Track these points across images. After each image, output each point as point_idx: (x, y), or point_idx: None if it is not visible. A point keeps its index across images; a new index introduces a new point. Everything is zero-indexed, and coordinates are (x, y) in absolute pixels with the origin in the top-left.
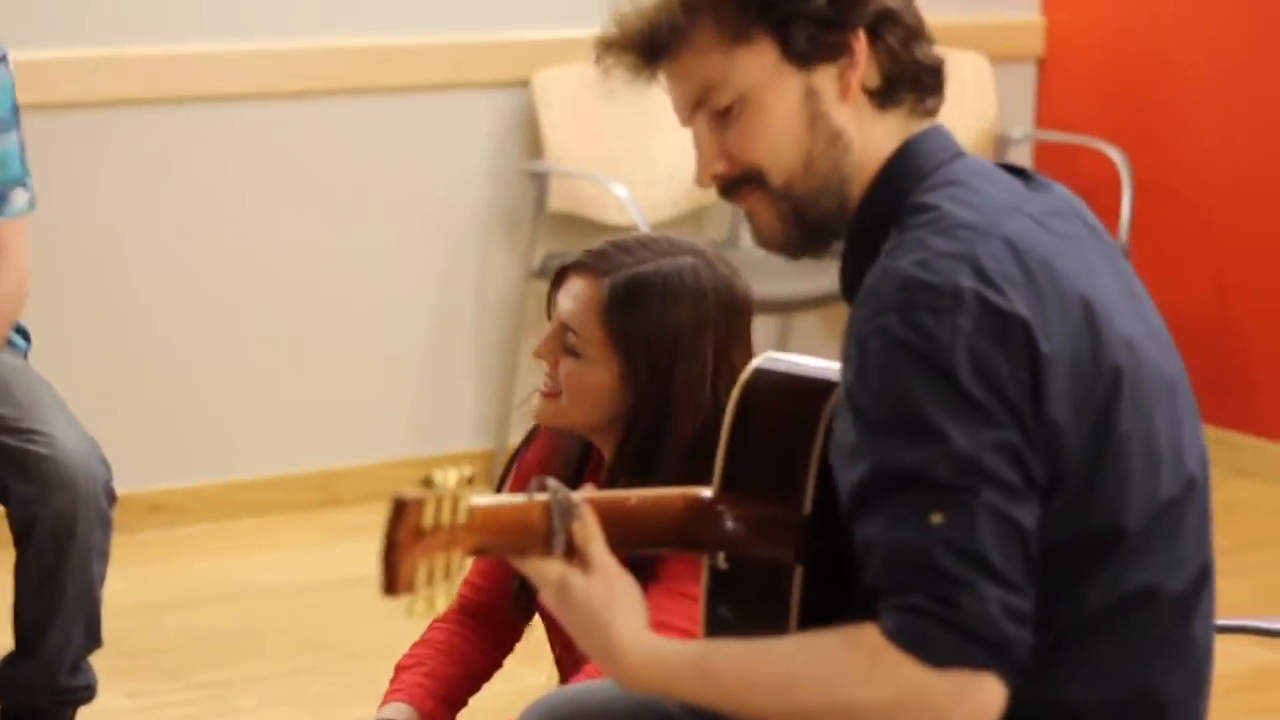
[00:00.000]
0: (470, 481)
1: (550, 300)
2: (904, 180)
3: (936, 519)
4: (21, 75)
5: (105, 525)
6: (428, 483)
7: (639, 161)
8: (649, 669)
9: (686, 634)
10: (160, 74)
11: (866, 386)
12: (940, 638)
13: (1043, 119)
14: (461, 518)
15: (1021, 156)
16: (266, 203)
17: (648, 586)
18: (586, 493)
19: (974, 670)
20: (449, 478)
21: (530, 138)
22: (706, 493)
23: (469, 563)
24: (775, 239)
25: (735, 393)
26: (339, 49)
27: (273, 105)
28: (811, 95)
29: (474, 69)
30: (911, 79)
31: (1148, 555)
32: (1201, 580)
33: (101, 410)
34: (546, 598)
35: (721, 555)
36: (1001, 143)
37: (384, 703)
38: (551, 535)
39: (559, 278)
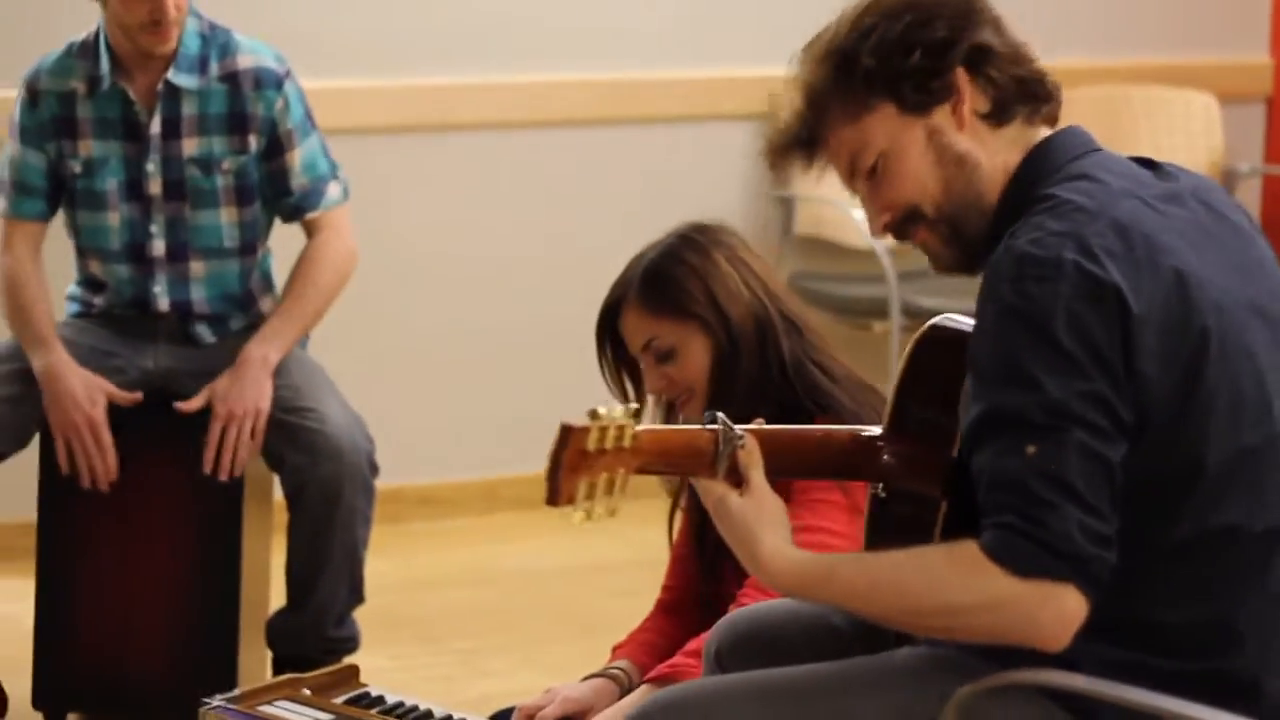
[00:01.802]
0: (637, 414)
1: (609, 364)
2: (1034, 178)
3: (1031, 450)
4: (312, 102)
5: (368, 492)
6: (594, 414)
7: None
8: (786, 574)
9: (821, 530)
10: (428, 104)
11: (982, 345)
12: (1027, 551)
13: (1271, 154)
14: (627, 442)
15: (1250, 190)
16: (529, 224)
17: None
18: (758, 426)
19: (1055, 581)
20: (615, 410)
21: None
22: (874, 431)
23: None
24: (946, 260)
25: (910, 346)
26: (602, 82)
27: (541, 133)
28: (934, 134)
29: (728, 102)
30: (1017, 96)
31: (1229, 496)
32: None
33: (378, 411)
34: (708, 508)
35: (880, 485)
36: (1229, 176)
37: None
38: (716, 459)
39: (606, 338)
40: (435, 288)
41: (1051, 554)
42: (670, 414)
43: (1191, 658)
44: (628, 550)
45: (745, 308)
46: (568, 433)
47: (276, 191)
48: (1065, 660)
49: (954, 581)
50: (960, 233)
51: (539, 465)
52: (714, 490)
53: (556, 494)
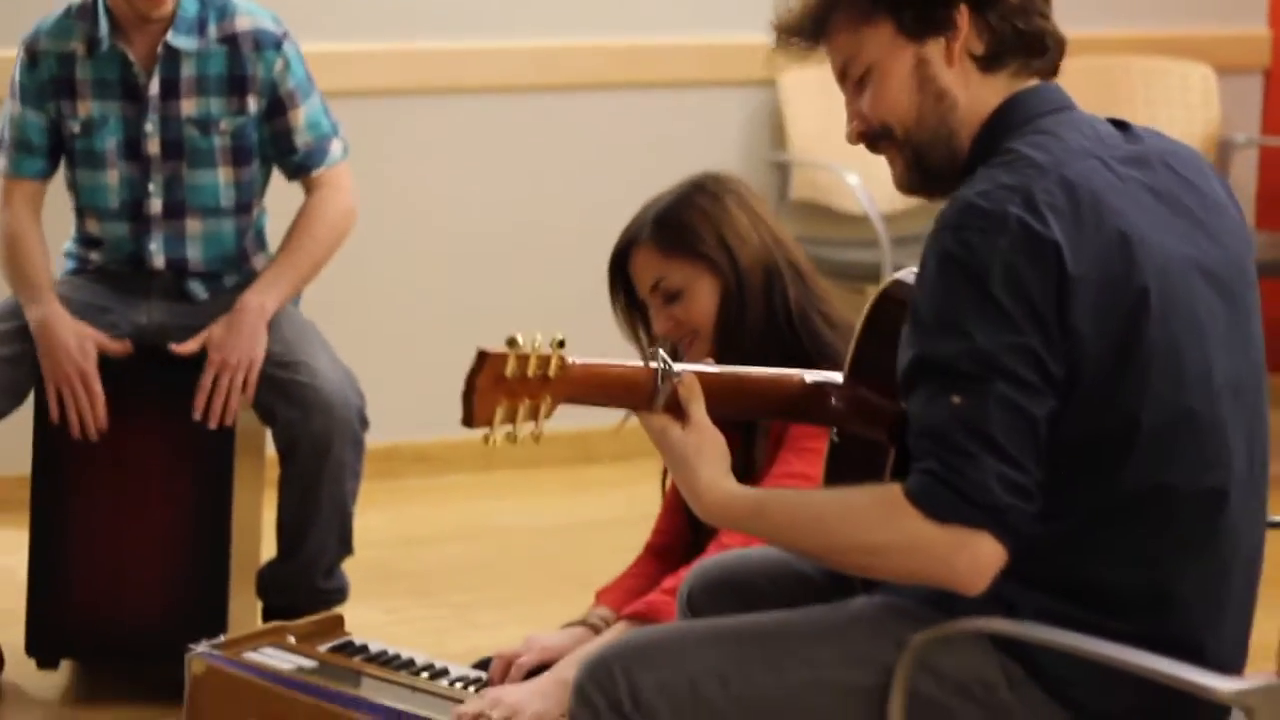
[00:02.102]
0: (562, 344)
1: (621, 309)
2: (1003, 130)
3: (956, 400)
4: (319, 65)
5: (358, 446)
6: (511, 342)
7: (872, 155)
8: (720, 507)
9: (807, 478)
10: (439, 67)
11: (921, 290)
12: (944, 498)
13: (1268, 125)
14: (552, 372)
15: (1246, 161)
16: (530, 186)
17: (777, 450)
18: (713, 367)
19: (970, 528)
20: (538, 340)
21: (775, 132)
22: (834, 377)
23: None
24: (904, 183)
25: (871, 299)
26: (603, 47)
27: (544, 96)
28: (922, 63)
29: (726, 69)
30: (1014, 47)
31: (1168, 457)
32: (1228, 487)
33: (373, 369)
34: (652, 439)
35: (834, 430)
36: (1225, 147)
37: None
38: (655, 394)
39: (618, 282)
40: (437, 248)
41: (968, 502)
42: (676, 359)
43: (1130, 618)
44: (624, 508)
45: (754, 253)
46: (483, 358)
47: (280, 150)
48: (1009, 610)
49: (875, 521)
50: (923, 162)
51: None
52: (655, 423)
53: (470, 416)
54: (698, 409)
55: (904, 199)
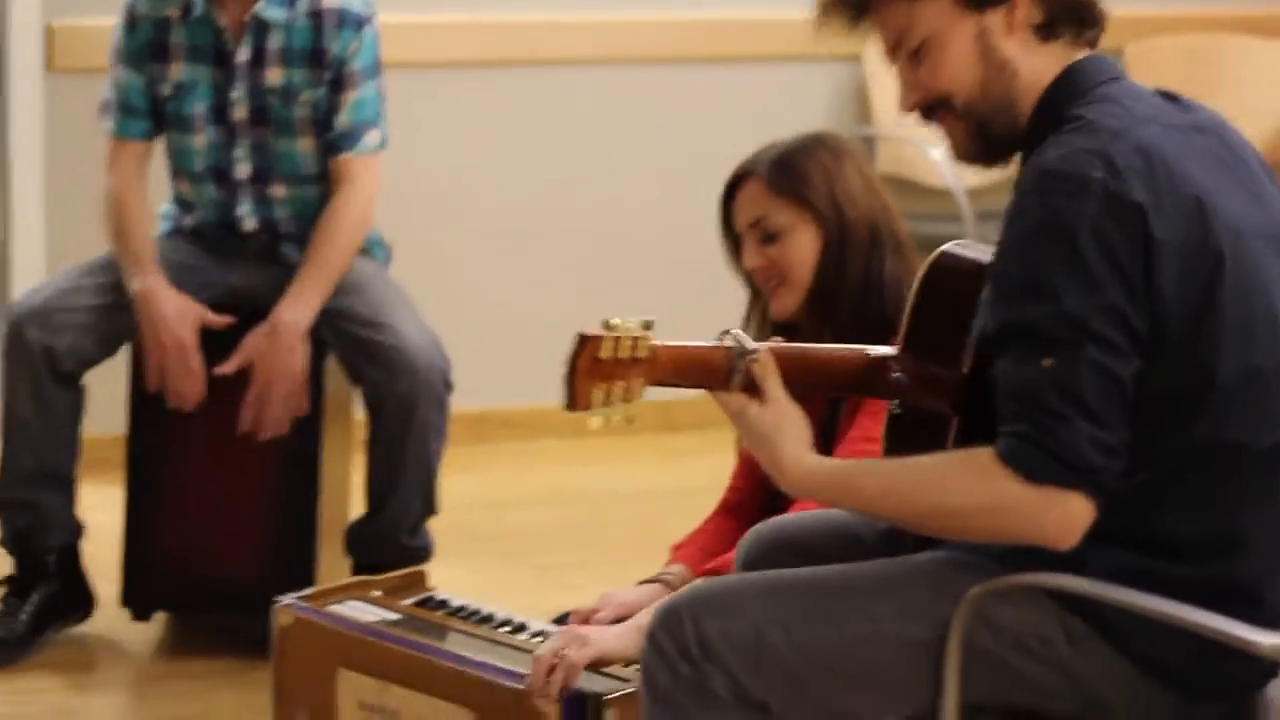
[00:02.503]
0: (649, 326)
1: (730, 237)
2: (1065, 98)
3: (1047, 363)
4: (390, 36)
5: (442, 407)
6: (607, 324)
7: None
8: (805, 480)
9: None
10: (515, 39)
11: (1006, 254)
12: (1036, 458)
13: None
14: (643, 353)
15: None
16: (610, 158)
17: (855, 415)
18: (780, 344)
19: (1062, 488)
20: (629, 321)
21: (860, 106)
22: (889, 350)
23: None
24: (964, 152)
25: (922, 270)
26: (691, 20)
27: (630, 70)
28: (983, 34)
29: (810, 43)
30: (1067, 15)
31: (1235, 413)
32: None
33: (463, 336)
34: (730, 419)
35: (896, 402)
36: None
37: (665, 566)
38: (731, 374)
39: (727, 205)
40: (522, 220)
41: (1061, 463)
42: (756, 300)
43: (1197, 564)
44: (707, 475)
45: (861, 215)
46: (584, 341)
47: (324, 125)
48: (1073, 564)
49: (966, 484)
50: (985, 131)
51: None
52: (733, 403)
53: (574, 399)
54: (774, 386)
55: (988, 174)
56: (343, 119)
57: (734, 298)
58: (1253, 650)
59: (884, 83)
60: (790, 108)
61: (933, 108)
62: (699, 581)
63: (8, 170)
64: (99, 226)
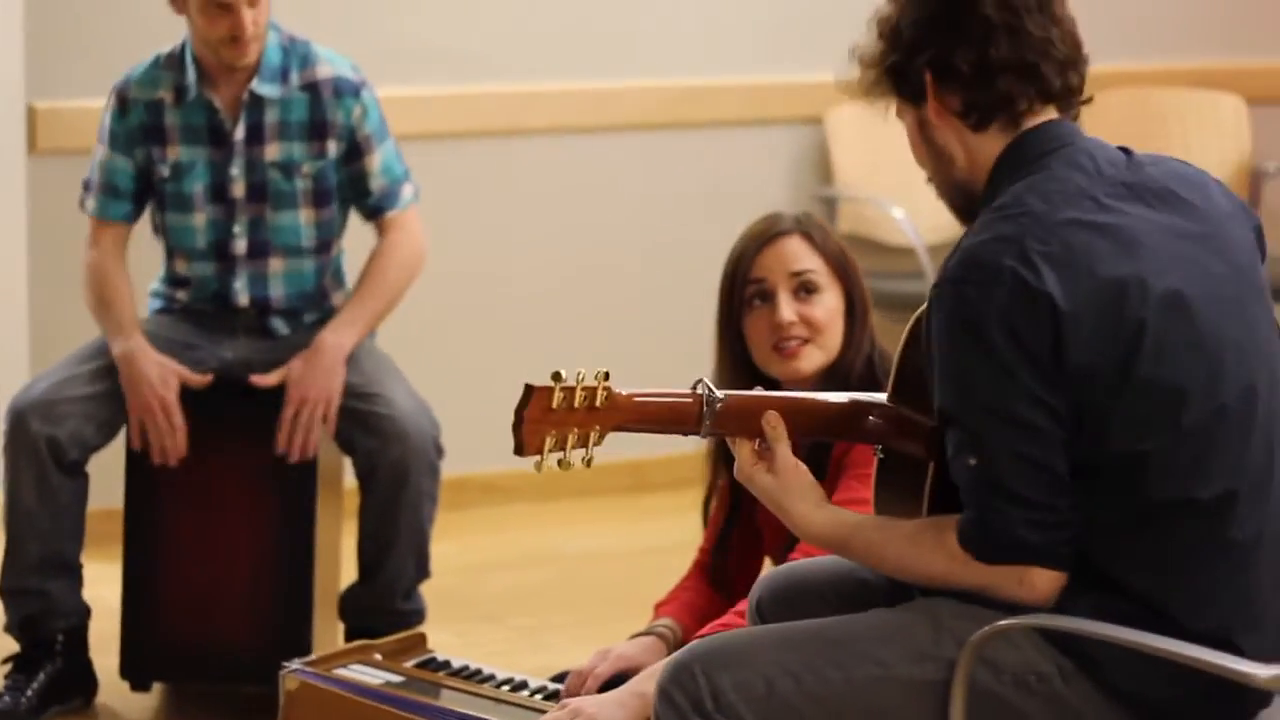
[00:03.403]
0: (606, 375)
1: (743, 291)
2: (1006, 172)
3: (972, 461)
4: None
5: (434, 473)
6: (556, 376)
7: (918, 190)
8: (813, 539)
9: (869, 502)
10: (495, 110)
11: (933, 340)
12: (984, 544)
13: None
14: (599, 403)
15: (1277, 189)
16: (584, 222)
17: (840, 478)
18: (773, 393)
19: (1019, 565)
20: (583, 374)
21: (822, 167)
22: (877, 397)
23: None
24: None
25: (910, 321)
26: (653, 89)
27: (601, 137)
28: (924, 124)
29: (776, 107)
30: (990, 104)
31: (1174, 472)
32: (1239, 490)
33: (442, 401)
34: (741, 481)
35: (879, 447)
36: (1258, 176)
37: (652, 622)
38: (700, 420)
39: (751, 261)
40: (498, 285)
41: (1006, 548)
42: (728, 354)
43: (1165, 617)
44: (679, 533)
45: (865, 292)
46: (530, 392)
47: (357, 193)
48: (1062, 605)
49: (941, 563)
50: (950, 203)
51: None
52: (744, 469)
53: (520, 445)
54: (783, 450)
55: (950, 230)
56: (376, 182)
57: (707, 354)
58: (1249, 683)
59: (845, 144)
60: (754, 169)
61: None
62: (708, 636)
63: None
64: (83, 308)
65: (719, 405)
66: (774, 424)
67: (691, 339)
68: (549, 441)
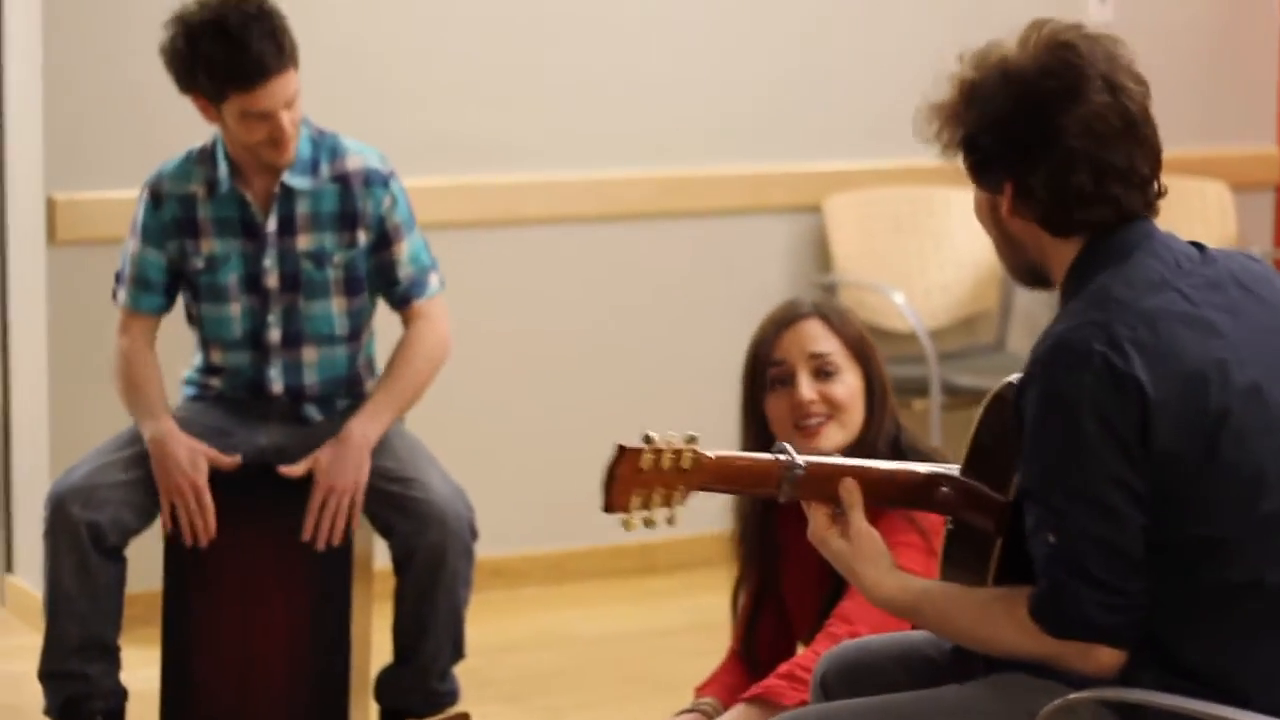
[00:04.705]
0: (693, 439)
1: (765, 373)
2: (1089, 269)
3: (1051, 539)
4: None
5: (469, 556)
6: (647, 439)
7: (916, 274)
8: (883, 604)
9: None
10: (500, 200)
11: (1025, 422)
12: (1055, 619)
13: None
14: (686, 464)
15: None
16: (586, 310)
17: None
18: (851, 461)
19: (1085, 642)
20: (671, 436)
21: (821, 254)
22: (950, 469)
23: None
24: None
25: (986, 398)
26: (654, 178)
27: (600, 226)
28: (994, 207)
29: (774, 196)
30: (1068, 224)
31: (1246, 555)
32: None
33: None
34: (815, 543)
35: (950, 519)
36: None
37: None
38: (780, 484)
39: (771, 344)
40: (501, 372)
41: (1075, 625)
42: (800, 432)
43: (1231, 697)
44: (688, 615)
45: (884, 374)
46: (622, 452)
47: (385, 281)
48: (1128, 678)
49: (1010, 633)
50: (1011, 272)
51: (601, 539)
52: (818, 533)
53: (610, 504)
54: (857, 517)
55: (947, 315)
56: (404, 271)
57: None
58: None
59: (843, 231)
60: (754, 256)
61: None
62: (781, 715)
63: (8, 343)
64: (103, 397)
65: (800, 471)
66: (850, 490)
67: (694, 421)
68: (636, 500)
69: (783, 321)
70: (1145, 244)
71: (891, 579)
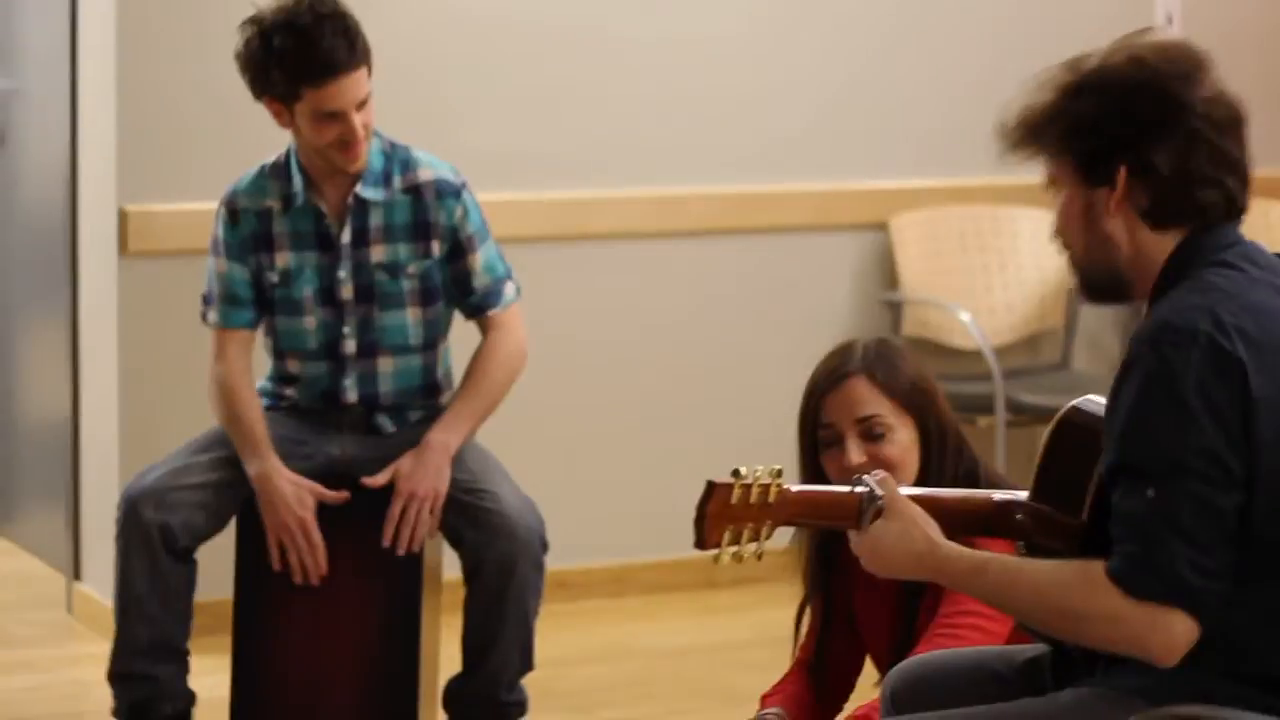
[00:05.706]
0: (779, 473)
1: (816, 431)
2: (1185, 267)
3: (1150, 494)
4: None
5: (539, 568)
6: (736, 474)
7: (982, 293)
8: (948, 563)
9: (973, 613)
10: (567, 215)
11: (1120, 399)
12: (1138, 576)
13: None
14: (772, 498)
15: None
16: (652, 326)
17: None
18: (928, 490)
19: (1163, 605)
20: (758, 469)
21: (887, 272)
22: (1017, 495)
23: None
24: (1077, 290)
25: (1053, 422)
26: (723, 195)
27: (667, 242)
28: (1090, 206)
29: (840, 213)
30: (1178, 211)
31: None
32: None
33: None
34: (859, 555)
35: (1021, 544)
36: None
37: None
38: (860, 515)
39: (820, 403)
40: (564, 387)
41: (1161, 581)
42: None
43: None
44: (750, 630)
45: (943, 413)
46: (712, 488)
47: (461, 291)
48: (1203, 695)
49: (1080, 592)
50: (1088, 283)
51: (663, 553)
52: (854, 538)
53: (702, 541)
54: (889, 490)
55: (1013, 333)
56: (479, 281)
57: (772, 453)
58: None
59: (910, 249)
60: (820, 274)
61: (1063, 244)
62: None
63: (79, 353)
64: (172, 406)
65: (880, 502)
66: (883, 478)
67: (758, 438)
68: (727, 536)
69: (831, 379)
70: (1241, 244)
71: (946, 543)
